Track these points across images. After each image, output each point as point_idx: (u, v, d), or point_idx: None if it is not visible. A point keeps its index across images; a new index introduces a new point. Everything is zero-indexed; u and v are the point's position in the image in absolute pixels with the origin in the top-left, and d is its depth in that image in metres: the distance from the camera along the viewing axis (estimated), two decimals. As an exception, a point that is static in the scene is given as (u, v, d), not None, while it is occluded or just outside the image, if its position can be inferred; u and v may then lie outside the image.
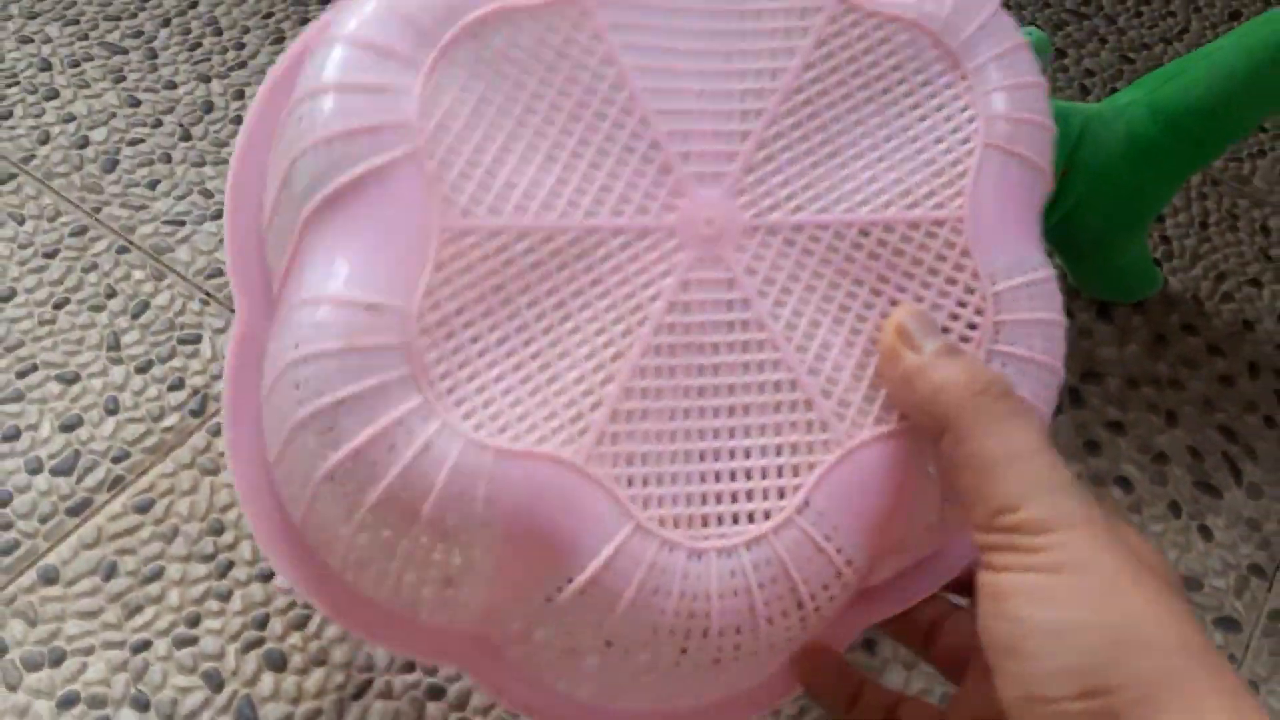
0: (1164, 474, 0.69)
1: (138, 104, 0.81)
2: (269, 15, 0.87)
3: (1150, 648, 0.32)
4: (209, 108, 0.81)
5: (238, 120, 0.80)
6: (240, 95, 0.82)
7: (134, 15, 0.86)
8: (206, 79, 0.83)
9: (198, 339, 0.69)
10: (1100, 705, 0.31)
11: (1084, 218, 0.72)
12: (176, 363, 0.68)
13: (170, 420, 0.66)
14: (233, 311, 0.70)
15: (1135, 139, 0.70)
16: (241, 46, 0.85)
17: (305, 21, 0.87)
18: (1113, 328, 0.76)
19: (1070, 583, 0.33)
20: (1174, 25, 0.98)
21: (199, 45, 0.85)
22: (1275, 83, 0.69)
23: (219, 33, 0.86)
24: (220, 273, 0.72)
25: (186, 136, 0.79)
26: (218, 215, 0.75)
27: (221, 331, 0.70)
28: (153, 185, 0.76)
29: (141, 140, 0.79)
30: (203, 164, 0.78)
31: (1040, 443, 0.36)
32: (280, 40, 0.86)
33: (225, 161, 0.78)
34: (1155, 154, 0.70)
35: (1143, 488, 0.69)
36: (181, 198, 0.76)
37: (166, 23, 0.86)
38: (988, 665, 0.35)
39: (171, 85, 0.82)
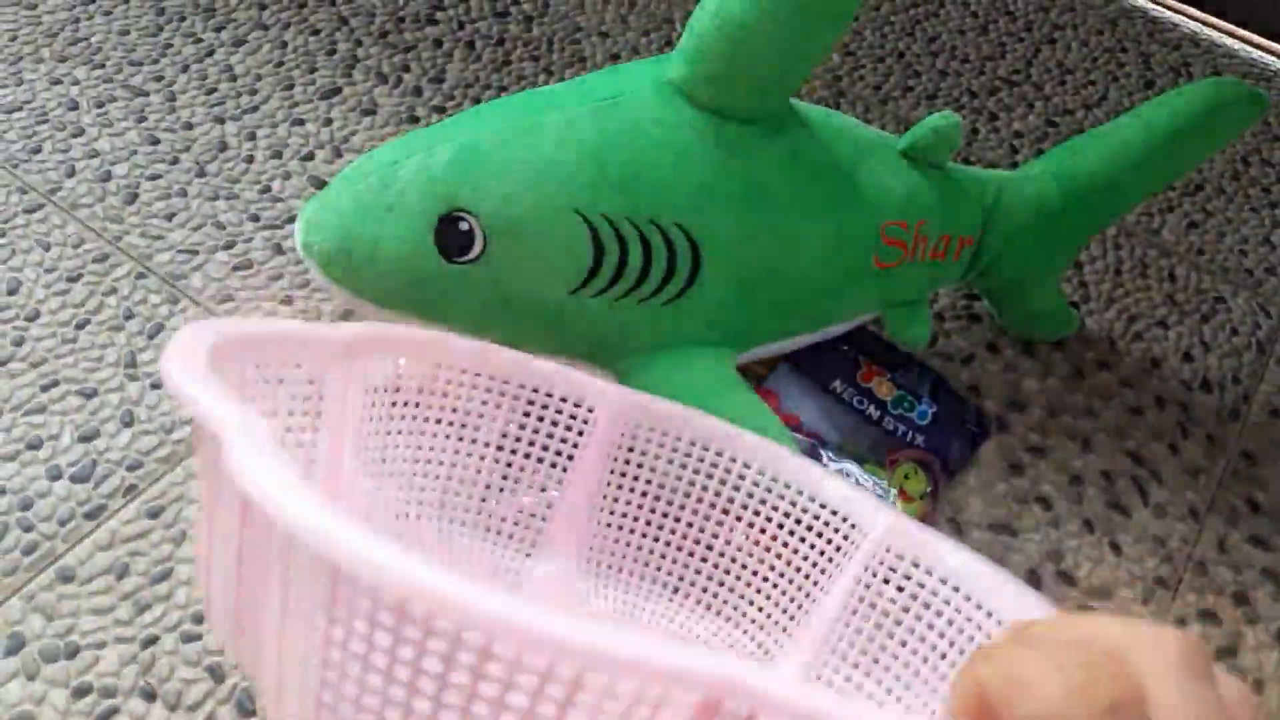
0: (1080, 494, 0.70)
1: (157, 142, 0.80)
2: (280, 64, 0.87)
3: None
4: (223, 147, 0.80)
5: (250, 160, 0.80)
6: (252, 136, 0.81)
7: (155, 61, 0.86)
8: (221, 120, 0.82)
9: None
10: None
11: (999, 270, 0.72)
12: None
13: (181, 433, 0.65)
14: (241, 334, 0.70)
15: (1042, 205, 0.70)
16: (254, 92, 0.84)
17: (314, 70, 0.87)
18: (1035, 362, 0.77)
19: None
20: (1094, 93, 0.99)
21: (215, 90, 0.84)
22: (1167, 160, 0.70)
23: (234, 79, 0.85)
24: (230, 298, 0.72)
25: (201, 173, 0.79)
26: (229, 245, 0.74)
27: (230, 352, 0.69)
28: (170, 217, 0.76)
29: (160, 176, 0.78)
30: (216, 198, 0.77)
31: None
32: (291, 87, 0.85)
33: (237, 196, 0.77)
34: (1058, 219, 0.71)
35: (1061, 506, 0.69)
36: (196, 229, 0.75)
37: (185, 69, 0.85)
38: None
39: (189, 126, 0.81)
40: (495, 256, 0.56)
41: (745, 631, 0.52)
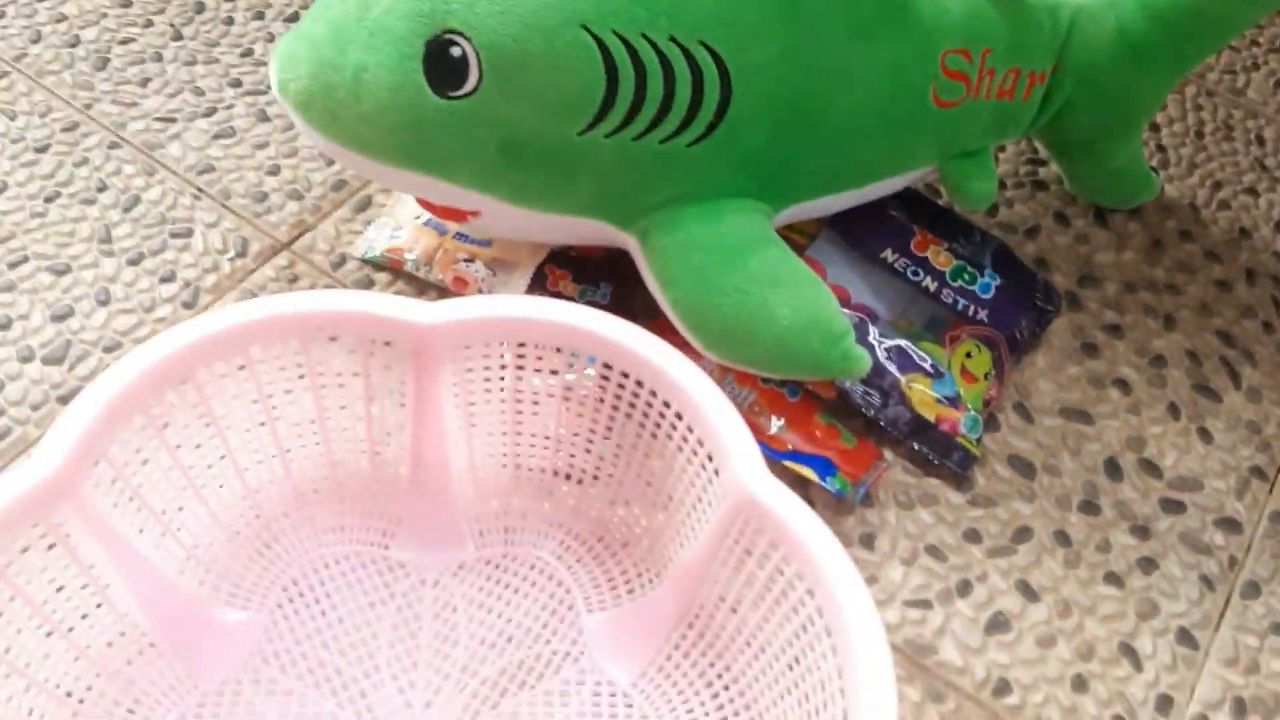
0: (1163, 377, 0.66)
1: (129, 4, 0.76)
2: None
3: None
4: (200, 8, 0.76)
5: (229, 20, 0.76)
6: (233, -4, 0.78)
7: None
8: (197, -19, 0.78)
9: (189, 233, 0.65)
10: None
11: (1074, 117, 0.67)
12: (168, 255, 0.64)
13: (162, 311, 0.62)
14: (225, 206, 0.67)
15: (1125, 36, 0.65)
16: (235, -51, 0.81)
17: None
18: (1109, 233, 0.73)
19: None
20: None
21: (191, -53, 0.80)
22: None
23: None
24: (212, 168, 0.68)
25: (178, 36, 0.75)
26: (209, 113, 0.71)
27: (213, 226, 0.66)
28: (144, 83, 0.72)
29: (132, 40, 0.74)
30: (194, 63, 0.73)
31: None
32: (274, -56, 0.81)
33: (216, 61, 0.73)
34: (1146, 52, 0.65)
35: (1141, 390, 0.65)
36: (173, 95, 0.71)
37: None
38: None
39: (164, -13, 0.78)
40: (493, 89, 0.51)
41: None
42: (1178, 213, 0.74)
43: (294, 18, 0.76)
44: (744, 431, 0.46)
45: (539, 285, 0.63)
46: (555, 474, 0.55)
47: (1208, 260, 0.72)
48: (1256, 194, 0.76)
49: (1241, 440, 0.64)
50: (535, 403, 0.52)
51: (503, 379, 0.51)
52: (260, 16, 0.76)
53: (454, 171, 0.54)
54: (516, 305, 0.50)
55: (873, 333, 0.62)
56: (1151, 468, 0.62)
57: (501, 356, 0.51)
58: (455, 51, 0.51)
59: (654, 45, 0.52)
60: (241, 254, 0.65)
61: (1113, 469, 0.62)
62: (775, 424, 0.59)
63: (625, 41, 0.51)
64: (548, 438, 0.53)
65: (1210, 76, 0.84)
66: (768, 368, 0.57)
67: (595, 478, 0.54)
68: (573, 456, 0.54)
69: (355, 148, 0.53)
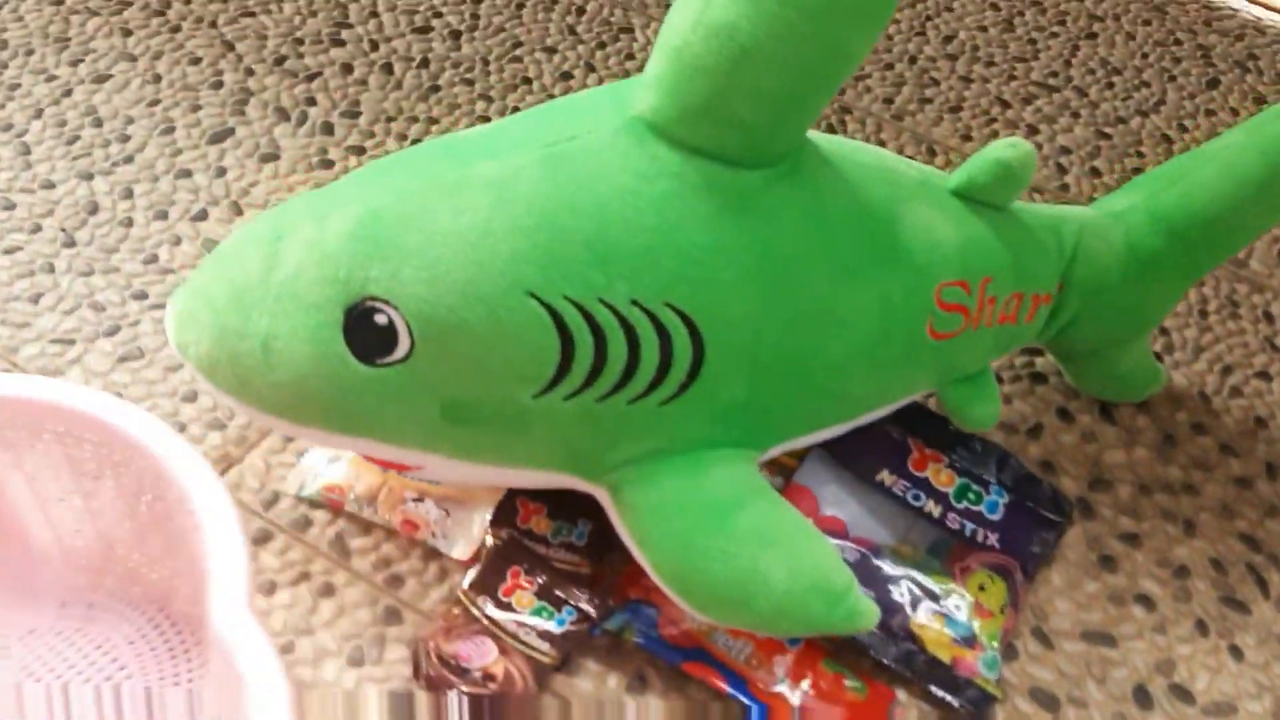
0: (1187, 590, 0.71)
1: (12, 206, 0.80)
2: (155, 103, 0.87)
3: None
4: (94, 209, 0.80)
5: (128, 223, 0.80)
6: (129, 194, 0.81)
7: (2, 105, 0.85)
8: (88, 176, 0.82)
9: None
10: None
11: (1080, 331, 0.73)
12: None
13: (71, 574, 0.64)
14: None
15: (1136, 251, 0.70)
16: (126, 139, 0.85)
17: (197, 109, 0.87)
18: (1118, 429, 0.79)
19: None
20: (1149, 97, 1.03)
21: (78, 138, 0.84)
22: None
23: (99, 123, 0.85)
24: (119, 397, 0.71)
25: (70, 243, 0.78)
26: (112, 331, 0.74)
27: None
28: (35, 299, 0.75)
29: (19, 248, 0.77)
30: (90, 273, 0.77)
31: None
32: (170, 130, 0.85)
33: (116, 270, 0.77)
34: (1157, 267, 0.71)
35: (1166, 606, 0.70)
36: (69, 312, 0.75)
37: (39, 113, 0.85)
38: None
39: (49, 185, 0.81)
40: (428, 357, 0.54)
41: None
42: (1188, 403, 0.81)
43: (201, 215, 0.81)
44: (236, 557, 0.51)
45: (508, 521, 0.67)
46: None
47: (1224, 455, 0.78)
48: (1269, 378, 0.83)
49: (1274, 656, 0.69)
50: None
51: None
52: (163, 216, 0.80)
53: (391, 434, 0.57)
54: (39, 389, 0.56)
55: (881, 567, 0.67)
56: (1183, 693, 0.67)
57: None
58: (380, 319, 0.53)
59: (613, 310, 0.55)
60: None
61: (1142, 697, 0.66)
62: (778, 679, 0.63)
63: (580, 308, 0.54)
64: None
65: (1207, 246, 0.91)
66: (766, 630, 0.61)
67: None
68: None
69: (272, 413, 0.56)
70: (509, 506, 0.68)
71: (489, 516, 0.67)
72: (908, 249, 0.62)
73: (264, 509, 0.68)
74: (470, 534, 0.67)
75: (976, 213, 0.65)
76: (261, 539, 0.67)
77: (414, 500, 0.67)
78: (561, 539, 0.67)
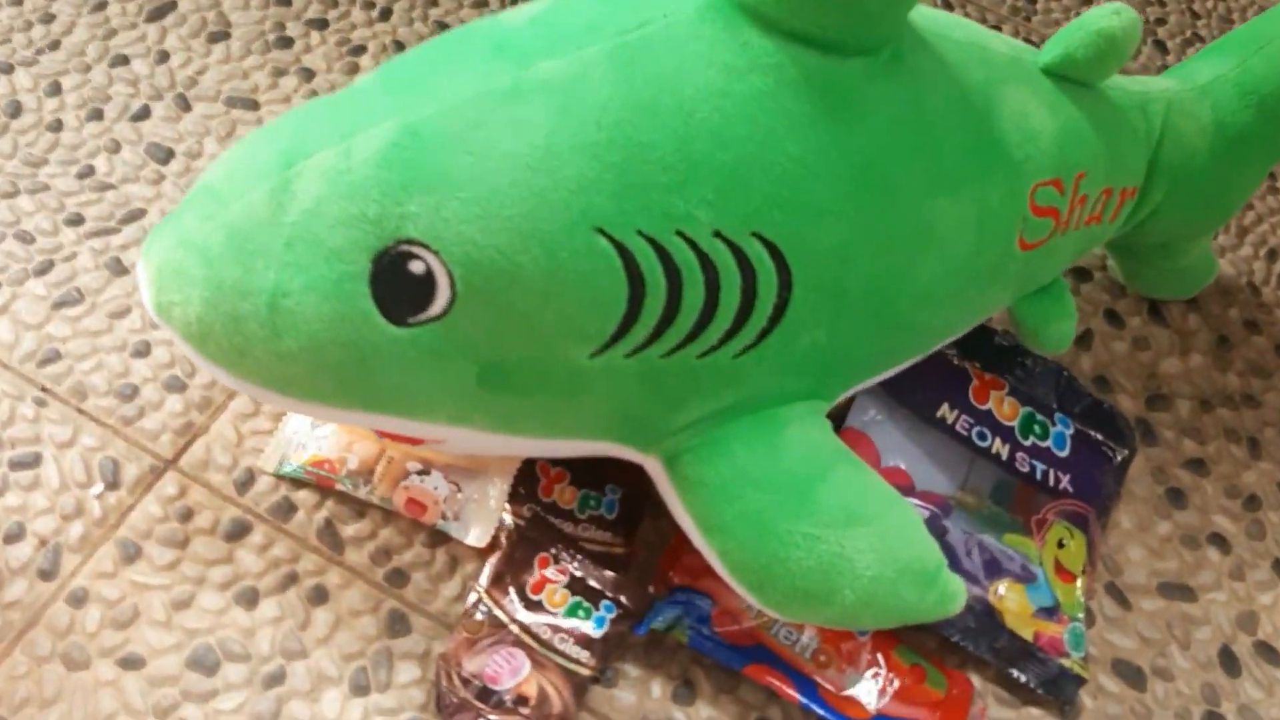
0: (1260, 524, 0.55)
1: (-86, 110, 0.57)
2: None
3: None
4: (16, 110, 0.58)
5: (56, 126, 0.57)
6: (56, 89, 0.59)
7: (-103, -20, 0.61)
8: (8, 69, 0.59)
9: (36, 460, 0.48)
10: None
11: (1158, 223, 0.55)
12: (10, 500, 0.47)
13: (13, 592, 0.45)
14: (81, 411, 0.50)
15: (1224, 129, 0.53)
16: (50, 19, 0.61)
17: (131, -25, 0.64)
18: (1170, 332, 0.61)
19: None
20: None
21: (-10, 19, 0.61)
22: None
23: (19, 1, 0.62)
24: (57, 354, 0.51)
25: (-13, 154, 0.56)
26: (44, 269, 0.53)
27: (68, 446, 0.49)
28: (-52, 230, 0.54)
29: (-75, 163, 0.56)
30: (15, 194, 0.55)
31: None
32: (103, 6, 0.62)
33: (46, 188, 0.55)
34: (1246, 145, 0.54)
35: (1241, 545, 0.54)
36: (-9, 246, 0.53)
37: (-58, -11, 0.62)
38: None
39: (-42, 80, 0.58)
40: (470, 313, 0.37)
41: None
42: (1237, 297, 0.63)
43: (143, 113, 0.58)
44: None
45: (530, 492, 0.49)
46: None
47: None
48: (1321, 264, 0.65)
49: (1355, 595, 0.54)
50: None
51: None
52: (98, 116, 0.58)
53: (417, 409, 0.40)
54: None
55: (951, 530, 0.50)
56: (1269, 652, 0.51)
57: None
58: (416, 268, 0.37)
59: (692, 244, 0.38)
60: (113, 484, 0.48)
61: (1229, 661, 0.51)
62: (850, 679, 0.46)
63: (655, 244, 0.38)
64: None
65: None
66: (843, 624, 0.45)
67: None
68: None
69: (276, 389, 0.39)
70: (529, 475, 0.49)
71: (507, 488, 0.49)
72: (1004, 145, 0.45)
73: (238, 492, 0.49)
74: (487, 513, 0.49)
75: (1070, 95, 0.48)
76: (238, 532, 0.48)
77: (418, 474, 0.49)
78: (590, 512, 0.50)
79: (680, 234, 0.38)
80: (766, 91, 0.39)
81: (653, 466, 0.44)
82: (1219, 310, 0.62)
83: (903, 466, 0.52)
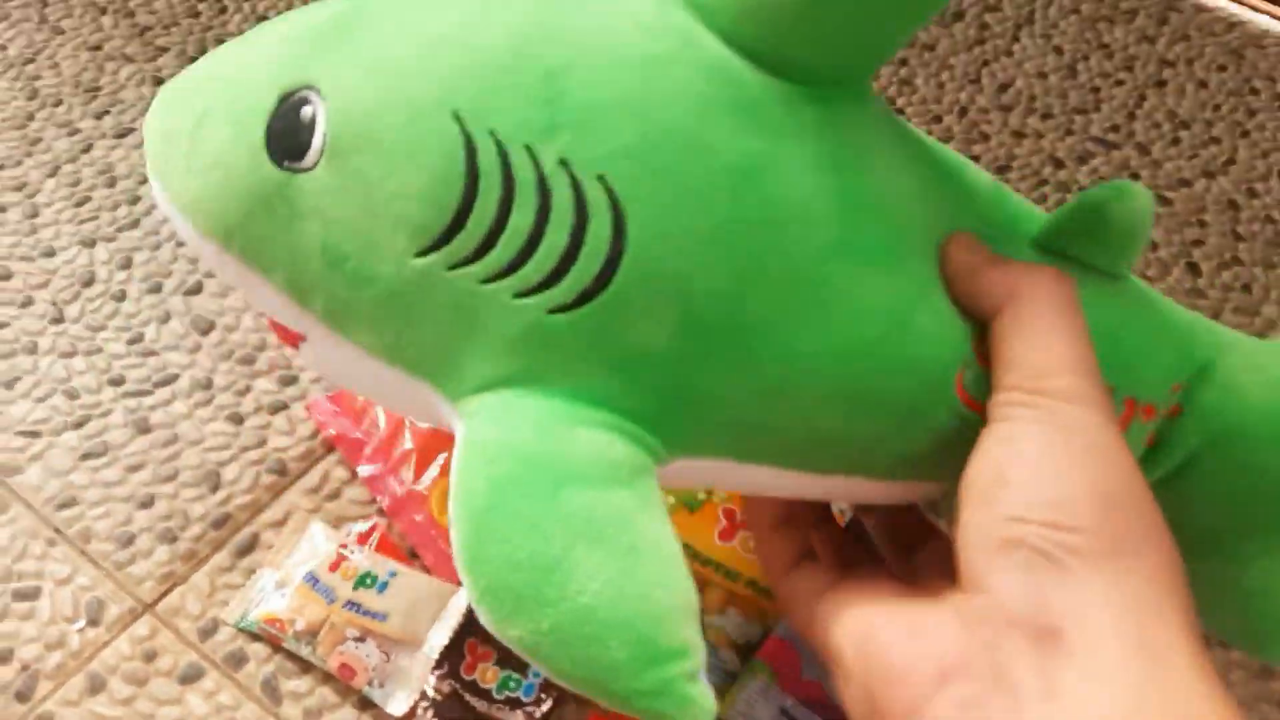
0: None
1: (9, 276, 0.64)
2: (178, 158, 0.70)
3: (1127, 513, 0.33)
4: (89, 280, 0.64)
5: (120, 296, 0.63)
6: (128, 263, 0.65)
7: (19, 163, 0.69)
8: (91, 243, 0.66)
9: (36, 593, 0.53)
10: (1063, 539, 0.32)
11: (1198, 487, 0.43)
12: (7, 627, 0.52)
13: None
14: (84, 553, 0.54)
15: None
16: (135, 201, 0.68)
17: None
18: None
19: (1079, 442, 0.34)
20: (1218, 154, 0.79)
21: (88, 200, 0.68)
22: None
23: (112, 184, 0.69)
24: (74, 500, 0.56)
25: (59, 318, 0.62)
26: (80, 423, 0.58)
27: (65, 583, 0.53)
28: (11, 384, 0.60)
29: (6, 324, 0.62)
30: (73, 354, 0.61)
31: (1087, 333, 0.37)
32: (187, 189, 0.69)
33: (99, 350, 0.61)
34: None
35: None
36: (41, 400, 0.59)
37: (54, 172, 0.69)
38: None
39: (50, 252, 0.65)
40: (329, 169, 0.36)
41: None
42: None
43: (196, 289, 0.64)
44: None
45: (453, 670, 0.50)
46: None
47: None
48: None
49: None
50: None
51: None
52: (156, 290, 0.64)
53: (271, 265, 0.39)
54: None
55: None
56: None
57: None
58: (306, 112, 0.37)
59: (536, 163, 0.35)
60: (94, 621, 0.52)
61: None
62: None
63: (500, 147, 0.35)
64: None
65: None
66: (542, 656, 0.35)
67: None
68: None
69: (179, 209, 0.39)
70: (457, 649, 0.51)
71: (430, 663, 0.50)
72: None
73: (200, 639, 0.52)
74: (410, 683, 0.50)
75: (1069, 268, 0.40)
76: (192, 676, 0.51)
77: (355, 640, 0.51)
78: (507, 693, 0.50)
79: (528, 149, 0.35)
80: (670, 57, 0.35)
81: (457, 430, 0.38)
82: None
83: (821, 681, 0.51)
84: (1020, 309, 0.36)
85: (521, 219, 0.35)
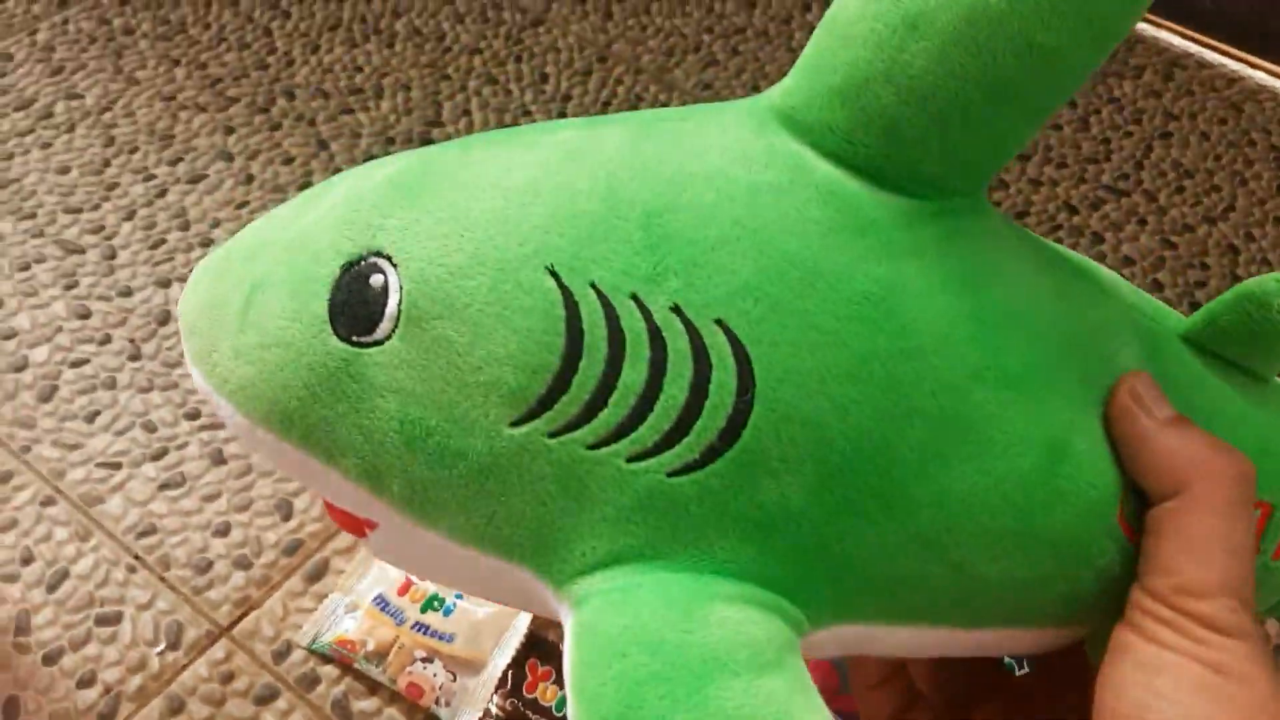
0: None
1: (88, 315, 0.67)
2: (243, 204, 0.73)
3: None
4: (165, 319, 0.67)
5: (194, 335, 0.66)
6: (199, 304, 0.68)
7: (96, 207, 0.72)
8: (166, 283, 0.69)
9: (118, 618, 0.55)
10: None
11: None
12: (90, 650, 0.54)
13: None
14: (163, 580, 0.57)
15: None
16: (209, 243, 0.71)
17: (282, 209, 0.73)
18: None
19: (1229, 688, 0.31)
20: (1219, 202, 0.82)
21: (163, 242, 0.71)
22: None
23: (186, 227, 0.72)
24: (153, 529, 0.58)
25: (136, 355, 0.65)
26: (159, 455, 0.61)
27: (146, 608, 0.56)
28: (91, 418, 0.62)
29: (86, 360, 0.65)
30: (149, 389, 0.64)
31: (1253, 548, 0.33)
32: (252, 233, 0.72)
33: (174, 385, 0.64)
34: None
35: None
36: (121, 433, 0.62)
37: (130, 215, 0.72)
38: None
39: (127, 292, 0.68)
40: (406, 340, 0.32)
41: None
42: None
43: (263, 329, 0.66)
44: None
45: (516, 688, 0.52)
46: None
47: None
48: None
49: None
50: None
51: None
52: (226, 329, 0.66)
53: (339, 451, 0.33)
54: None
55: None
56: None
57: None
58: (375, 281, 0.32)
59: (645, 313, 0.32)
60: (174, 645, 0.54)
61: None
62: None
63: (604, 300, 0.32)
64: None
65: None
66: None
67: None
68: None
69: (225, 395, 0.32)
70: (519, 669, 0.53)
71: (494, 681, 0.53)
72: (1096, 377, 0.34)
73: (275, 661, 0.54)
74: (475, 702, 0.53)
75: (1218, 372, 0.36)
76: (268, 697, 0.53)
77: (423, 661, 0.53)
78: (565, 712, 0.53)
79: (635, 297, 0.31)
80: (778, 185, 0.32)
81: (565, 619, 0.34)
82: None
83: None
84: (1188, 503, 0.32)
85: (633, 375, 0.31)
